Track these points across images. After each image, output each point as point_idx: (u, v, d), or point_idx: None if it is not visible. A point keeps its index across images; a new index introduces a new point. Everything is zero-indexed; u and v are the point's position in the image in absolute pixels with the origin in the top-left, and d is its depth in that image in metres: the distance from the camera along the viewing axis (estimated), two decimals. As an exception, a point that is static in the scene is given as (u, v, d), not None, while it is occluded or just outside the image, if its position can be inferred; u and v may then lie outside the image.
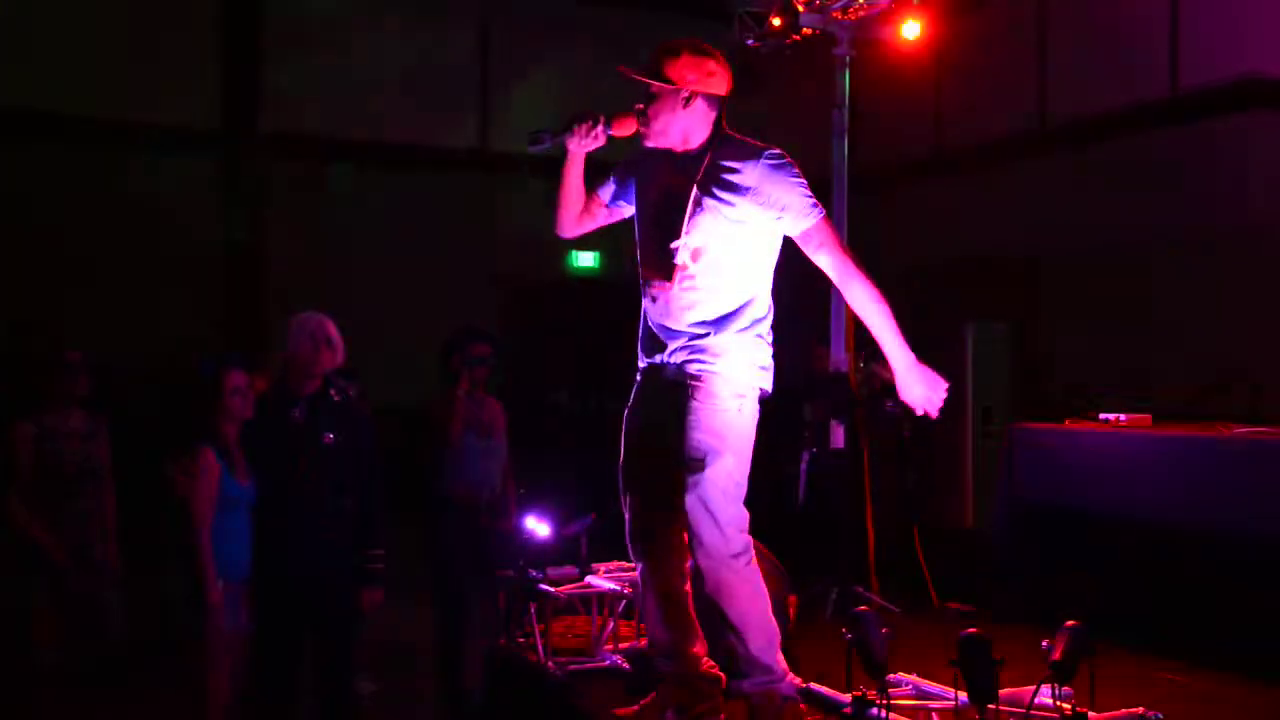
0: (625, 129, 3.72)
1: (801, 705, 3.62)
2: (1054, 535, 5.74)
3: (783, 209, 3.55)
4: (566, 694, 4.16)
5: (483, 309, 11.29)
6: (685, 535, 3.58)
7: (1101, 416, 5.83)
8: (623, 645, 4.51)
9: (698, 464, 3.50)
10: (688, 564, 3.68)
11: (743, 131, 3.74)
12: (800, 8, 6.55)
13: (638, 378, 3.79)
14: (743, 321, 3.59)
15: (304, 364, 4.40)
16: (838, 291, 3.80)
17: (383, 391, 7.35)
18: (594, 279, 13.48)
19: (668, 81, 3.65)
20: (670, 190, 3.68)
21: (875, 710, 3.37)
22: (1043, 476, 5.83)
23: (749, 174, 3.56)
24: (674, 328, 3.62)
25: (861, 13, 6.55)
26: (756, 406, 3.64)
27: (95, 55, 10.81)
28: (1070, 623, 3.32)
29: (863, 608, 3.60)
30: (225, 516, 4.22)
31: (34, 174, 10.50)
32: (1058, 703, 3.30)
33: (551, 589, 4.46)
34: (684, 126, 3.67)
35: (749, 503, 3.61)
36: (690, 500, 3.50)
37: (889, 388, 7.49)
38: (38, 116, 10.60)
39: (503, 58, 12.86)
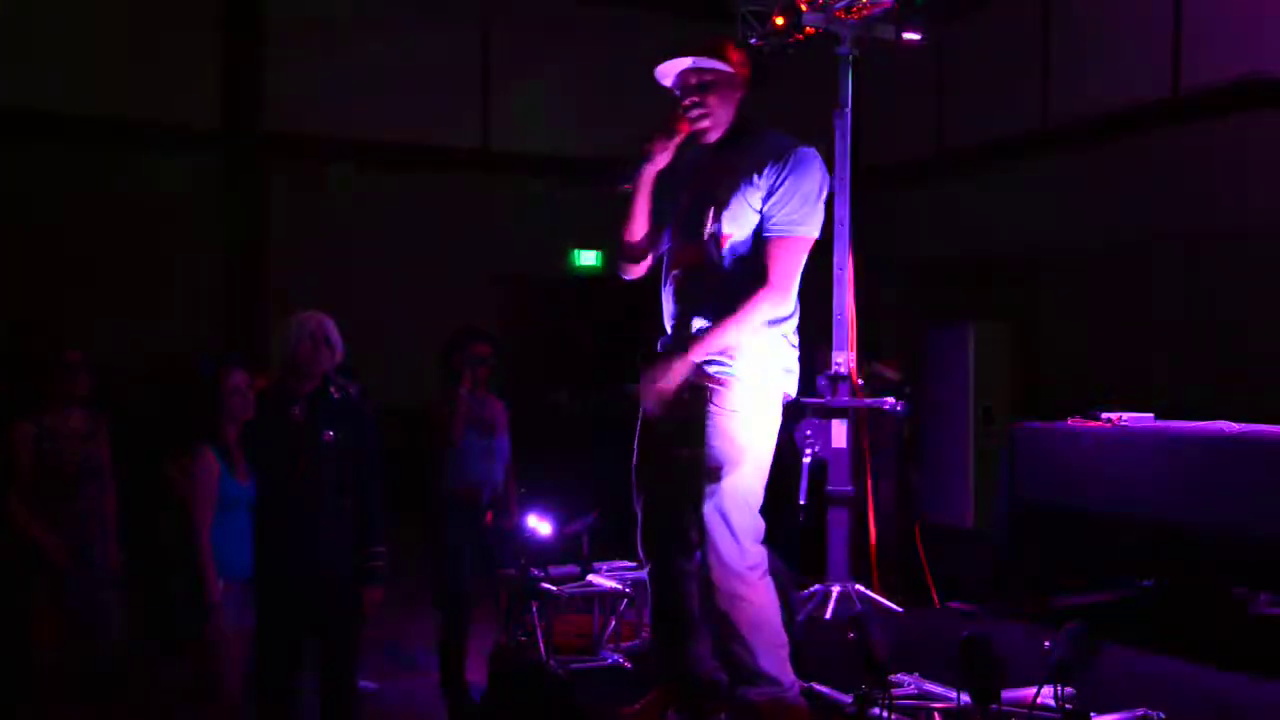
0: (683, 128, 3.64)
1: (806, 710, 3.59)
2: (1055, 534, 5.73)
3: (775, 202, 3.48)
4: (568, 693, 4.16)
5: (484, 308, 11.29)
6: (696, 537, 3.53)
7: (1103, 416, 5.82)
8: (624, 644, 4.51)
9: (715, 472, 3.44)
10: (695, 564, 3.63)
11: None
12: (803, 7, 6.55)
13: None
14: (765, 328, 3.53)
15: (303, 363, 4.39)
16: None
17: (384, 390, 7.35)
18: (596, 278, 13.48)
19: (730, 64, 3.60)
20: (703, 178, 3.63)
21: (877, 710, 3.37)
22: (1044, 476, 5.83)
23: (779, 165, 3.49)
24: (696, 325, 3.58)
25: (864, 12, 6.54)
26: (779, 412, 3.59)
27: (95, 54, 10.80)
28: (1072, 622, 3.32)
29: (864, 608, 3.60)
30: (225, 516, 4.21)
31: (34, 173, 10.50)
32: (1060, 703, 3.30)
33: (553, 588, 4.46)
34: (731, 113, 3.63)
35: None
36: (707, 509, 3.44)
37: (891, 387, 7.52)
38: (38, 116, 10.59)
39: (504, 57, 12.85)
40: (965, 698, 3.25)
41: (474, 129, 12.74)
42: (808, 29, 6.59)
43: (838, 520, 6.23)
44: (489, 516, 5.71)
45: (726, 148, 3.64)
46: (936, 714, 3.55)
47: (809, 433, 6.06)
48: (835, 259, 6.24)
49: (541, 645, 4.40)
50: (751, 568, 3.47)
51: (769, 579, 3.54)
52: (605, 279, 13.46)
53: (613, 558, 4.89)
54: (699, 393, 3.51)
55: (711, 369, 3.50)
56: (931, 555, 6.67)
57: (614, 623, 4.53)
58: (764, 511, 3.59)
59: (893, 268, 11.14)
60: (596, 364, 12.63)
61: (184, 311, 10.41)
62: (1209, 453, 5.16)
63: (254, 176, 11.43)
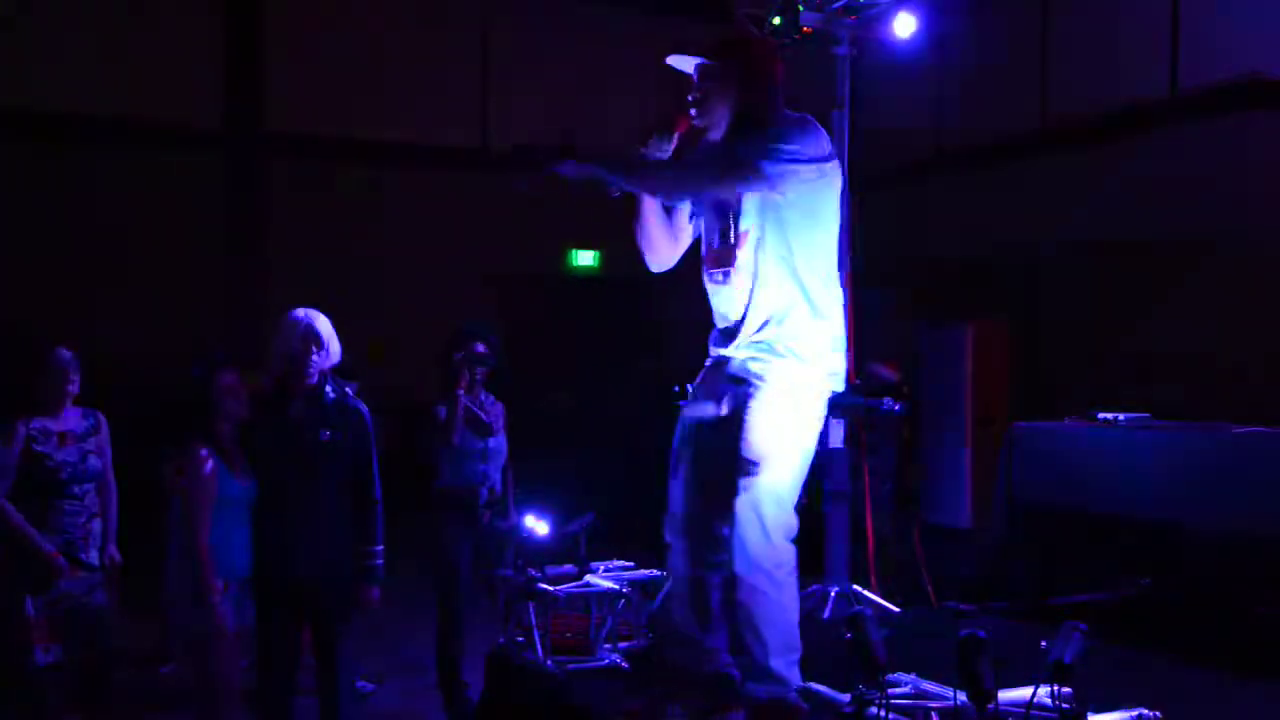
0: (681, 125, 3.64)
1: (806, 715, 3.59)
2: (1053, 534, 5.74)
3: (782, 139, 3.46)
4: (565, 693, 4.16)
5: (483, 307, 11.29)
6: (726, 530, 3.52)
7: (1100, 415, 5.83)
8: (621, 644, 4.51)
9: (753, 467, 3.44)
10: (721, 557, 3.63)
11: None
12: (801, 6, 6.54)
13: (705, 366, 3.77)
14: (802, 321, 3.54)
15: (298, 362, 4.39)
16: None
17: (383, 389, 7.33)
18: (594, 277, 13.48)
19: (725, 61, 3.60)
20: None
21: (874, 709, 3.37)
22: (1041, 476, 5.83)
23: (789, 124, 3.51)
24: (736, 321, 3.59)
25: (863, 12, 6.54)
26: (821, 408, 3.59)
27: (96, 54, 10.81)
28: (1070, 622, 3.32)
29: (862, 607, 3.60)
30: (223, 516, 4.21)
31: (33, 173, 10.50)
32: (1057, 703, 3.30)
33: (550, 588, 4.46)
34: (732, 107, 3.61)
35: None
36: (741, 503, 3.45)
37: (889, 387, 7.52)
38: (37, 115, 10.60)
39: (503, 57, 12.86)
40: (962, 697, 3.25)
41: (472, 128, 12.75)
42: (805, 29, 6.59)
43: (836, 520, 6.22)
44: (486, 516, 5.71)
45: (735, 142, 3.61)
46: (934, 714, 3.55)
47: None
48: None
49: (539, 645, 4.40)
50: (778, 565, 3.49)
51: (794, 579, 3.54)
52: (602, 279, 13.48)
53: (610, 558, 4.89)
54: (741, 386, 3.52)
55: (755, 365, 3.52)
56: (929, 555, 6.68)
57: (611, 622, 4.53)
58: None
59: (890, 267, 11.14)
60: (594, 364, 12.63)
61: (184, 310, 10.42)
62: (1206, 453, 5.17)
63: (254, 175, 11.44)
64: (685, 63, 3.65)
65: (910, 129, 11.88)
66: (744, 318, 3.58)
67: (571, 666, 4.32)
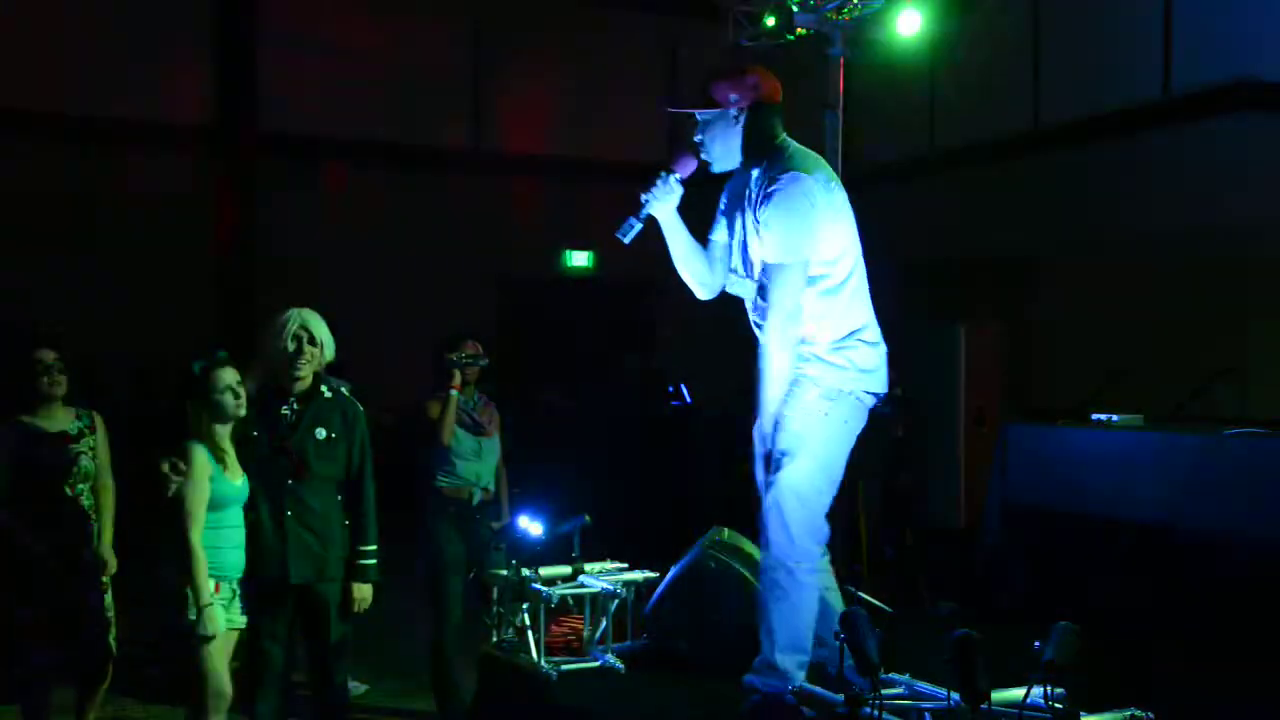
0: (688, 166, 3.79)
1: (801, 715, 3.60)
2: (1046, 534, 5.75)
3: (766, 235, 3.61)
4: (558, 693, 4.16)
5: (476, 307, 11.30)
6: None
7: (1093, 417, 5.84)
8: (615, 645, 4.50)
9: (777, 464, 3.58)
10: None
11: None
12: (794, 7, 6.55)
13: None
14: (829, 334, 3.66)
15: (290, 360, 4.39)
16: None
17: (377, 389, 7.32)
18: (588, 278, 13.48)
19: (715, 105, 3.74)
20: (740, 204, 3.78)
21: (868, 710, 3.37)
22: (1035, 476, 5.85)
23: (766, 199, 3.63)
24: (762, 347, 3.71)
25: (856, 12, 6.56)
26: (855, 412, 3.68)
27: (89, 54, 10.79)
28: (1062, 622, 3.32)
29: (855, 607, 3.60)
30: (218, 515, 4.20)
31: (26, 171, 10.49)
32: (1050, 702, 3.30)
33: (544, 588, 4.45)
34: (740, 145, 3.75)
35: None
36: (767, 498, 3.59)
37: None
38: (28, 115, 10.58)
39: (496, 57, 12.86)
40: (956, 697, 3.26)
41: (466, 129, 12.75)
42: (799, 29, 6.60)
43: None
44: (480, 517, 5.70)
45: (744, 176, 3.79)
46: (927, 714, 3.56)
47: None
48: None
49: (532, 646, 4.39)
50: (798, 562, 3.57)
51: (814, 580, 3.61)
52: (596, 279, 13.49)
53: (604, 558, 4.88)
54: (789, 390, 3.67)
55: (801, 366, 3.66)
56: (923, 555, 6.68)
57: (605, 623, 4.53)
58: (756, 511, 3.63)
59: (883, 267, 11.14)
60: (588, 364, 12.63)
61: (178, 309, 10.41)
62: (1199, 454, 5.18)
63: (247, 175, 11.42)
64: (676, 111, 3.88)
65: (905, 129, 11.89)
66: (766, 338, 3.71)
67: (565, 667, 4.32)
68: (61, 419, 4.89)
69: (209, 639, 4.14)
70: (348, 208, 11.93)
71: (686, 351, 12.41)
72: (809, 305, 3.64)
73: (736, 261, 3.85)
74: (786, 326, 3.60)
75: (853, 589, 6.14)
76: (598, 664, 4.38)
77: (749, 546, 4.44)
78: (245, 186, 11.27)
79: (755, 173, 3.72)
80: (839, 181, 3.80)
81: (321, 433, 4.41)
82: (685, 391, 11.73)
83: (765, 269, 3.62)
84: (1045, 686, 3.29)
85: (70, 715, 5.03)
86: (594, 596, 4.54)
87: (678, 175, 3.78)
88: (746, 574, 4.28)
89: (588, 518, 4.86)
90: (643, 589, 4.61)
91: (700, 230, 3.94)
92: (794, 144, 3.79)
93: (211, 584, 4.16)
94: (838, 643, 3.38)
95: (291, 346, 4.38)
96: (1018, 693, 3.33)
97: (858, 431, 3.73)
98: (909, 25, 6.67)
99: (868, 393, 3.71)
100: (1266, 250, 8.56)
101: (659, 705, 4.03)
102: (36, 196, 10.44)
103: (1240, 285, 8.67)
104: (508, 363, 11.03)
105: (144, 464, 4.45)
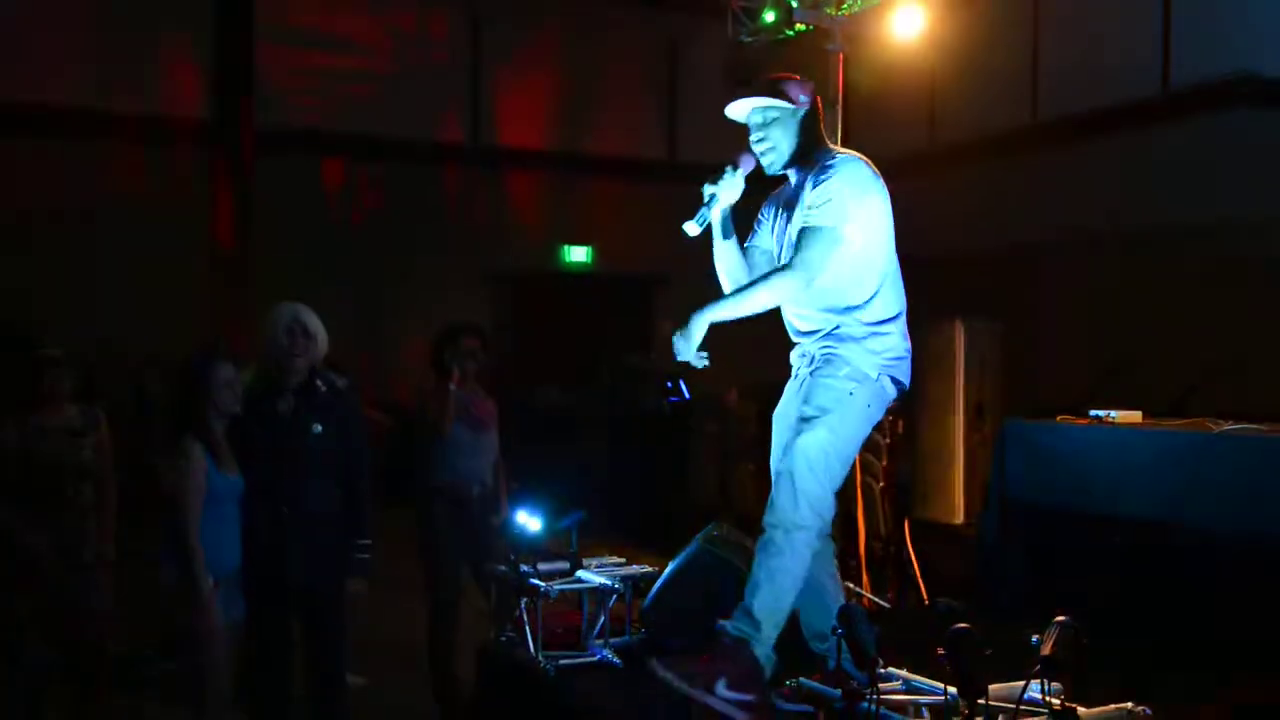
0: (749, 163, 3.86)
1: (761, 669, 3.61)
2: (1044, 530, 5.75)
3: (820, 196, 3.65)
4: (556, 688, 4.16)
5: (474, 302, 11.30)
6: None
7: (1092, 413, 5.84)
8: (613, 640, 4.51)
9: (796, 433, 3.66)
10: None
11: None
12: (793, 3, 6.55)
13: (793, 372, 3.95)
14: (863, 315, 3.72)
15: (284, 355, 4.39)
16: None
17: (374, 385, 7.34)
18: (586, 273, 13.48)
19: (789, 101, 3.80)
20: (789, 211, 3.84)
21: (865, 704, 3.37)
22: (1033, 472, 5.84)
23: (818, 175, 3.69)
24: (803, 326, 3.82)
25: (855, 8, 6.55)
26: (878, 398, 3.73)
27: (85, 49, 10.78)
28: (1060, 617, 3.33)
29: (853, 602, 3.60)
30: (213, 510, 4.20)
31: (21, 167, 10.47)
32: (1046, 697, 3.31)
33: (542, 583, 4.46)
34: (800, 145, 3.82)
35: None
36: (780, 465, 3.67)
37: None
38: (24, 110, 10.57)
39: (495, 52, 12.85)
40: (953, 692, 3.26)
41: (463, 125, 12.74)
42: (798, 25, 6.59)
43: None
44: (478, 511, 5.71)
45: (793, 183, 3.86)
46: (924, 708, 3.56)
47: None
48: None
49: (530, 641, 4.40)
50: (799, 526, 3.61)
51: (808, 551, 3.64)
52: (594, 275, 13.49)
53: (602, 553, 4.89)
54: (808, 374, 3.75)
55: (820, 351, 3.74)
56: (920, 551, 6.69)
57: (603, 618, 4.53)
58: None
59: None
60: (585, 359, 12.63)
61: (173, 305, 10.40)
62: (1198, 450, 5.18)
63: (244, 170, 11.41)
64: (743, 106, 3.84)
65: (904, 125, 11.89)
66: (813, 322, 3.79)
67: (563, 662, 4.33)
68: (65, 415, 4.90)
69: (207, 635, 4.14)
70: (345, 202, 11.92)
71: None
72: (852, 280, 3.70)
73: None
74: (801, 285, 3.65)
75: (850, 584, 6.16)
76: (595, 659, 4.39)
77: (747, 542, 4.45)
78: (242, 181, 11.26)
79: (807, 175, 3.77)
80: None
81: (317, 427, 4.42)
82: (683, 387, 11.74)
83: (803, 230, 3.65)
84: (1042, 682, 3.29)
85: (70, 711, 5.03)
86: (592, 591, 4.54)
87: (741, 170, 3.84)
88: (745, 569, 4.28)
89: (585, 513, 4.86)
90: (640, 584, 4.61)
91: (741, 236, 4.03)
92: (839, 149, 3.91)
93: (209, 580, 4.16)
94: (835, 637, 3.38)
95: (286, 341, 4.39)
96: (1015, 687, 3.34)
97: (875, 420, 3.78)
98: (908, 23, 6.66)
99: (893, 381, 3.76)
100: (1266, 246, 8.57)
101: (655, 700, 4.03)
102: (33, 191, 10.43)
103: (1239, 281, 8.67)
104: (505, 358, 11.05)
105: (141, 459, 4.46)
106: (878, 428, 4.77)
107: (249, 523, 4.33)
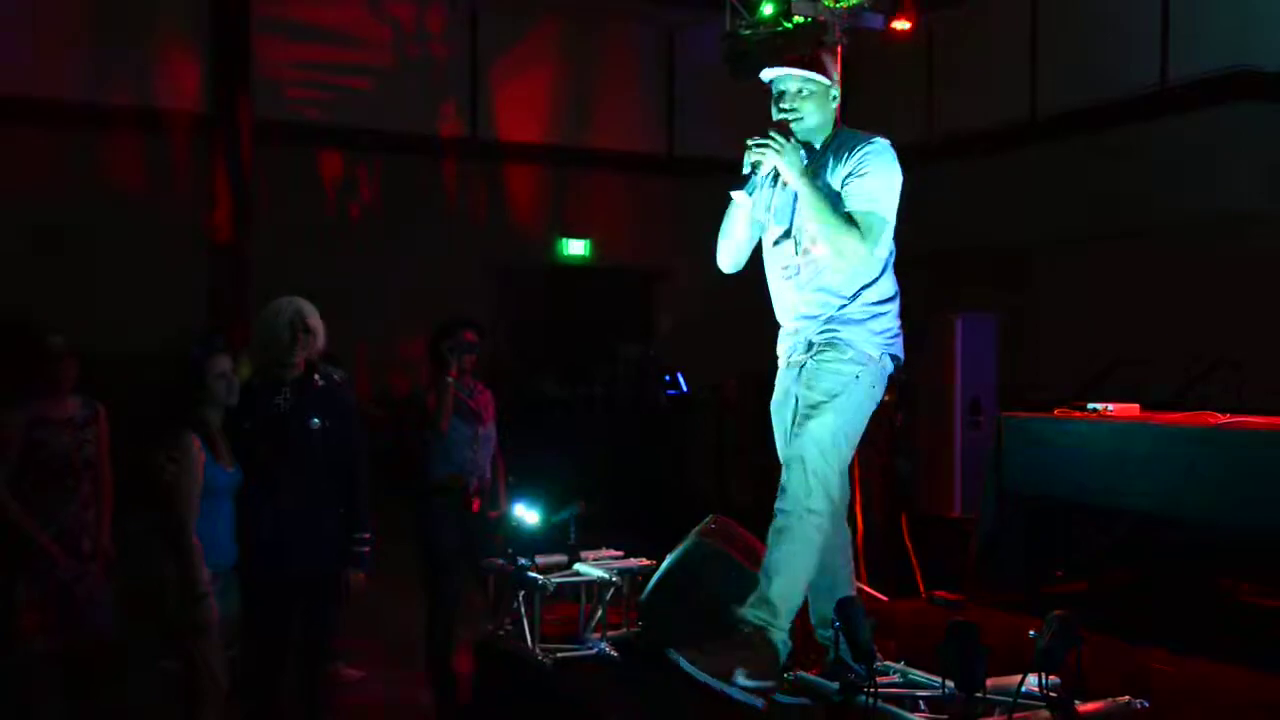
0: (785, 126, 3.82)
1: (778, 655, 3.61)
2: (1041, 524, 5.76)
3: (857, 175, 3.68)
4: (554, 681, 4.16)
5: (472, 295, 11.28)
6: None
7: (1090, 406, 5.84)
8: (611, 633, 4.51)
9: (804, 418, 3.68)
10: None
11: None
12: (791, -4, 6.54)
13: (779, 362, 3.95)
14: (870, 294, 3.74)
15: (284, 350, 4.38)
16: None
17: (372, 378, 7.34)
18: (584, 267, 13.46)
19: (826, 75, 3.83)
20: (777, 177, 3.84)
21: (863, 698, 3.38)
22: (1031, 466, 5.84)
23: (854, 156, 3.72)
24: (807, 310, 3.79)
25: (853, 1, 6.54)
26: (881, 379, 3.78)
27: (82, 40, 10.75)
28: (1057, 611, 3.33)
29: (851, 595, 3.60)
30: (210, 503, 4.20)
31: (18, 159, 10.45)
32: (1044, 691, 3.31)
33: (540, 576, 4.46)
34: (823, 120, 3.85)
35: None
36: (789, 451, 3.69)
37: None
38: (23, 102, 10.54)
39: (493, 45, 12.82)
40: (950, 685, 3.26)
41: (462, 118, 12.72)
42: (796, 17, 6.58)
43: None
44: (476, 505, 5.71)
45: (814, 157, 3.83)
46: (922, 702, 3.56)
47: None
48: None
49: (528, 634, 4.40)
50: (811, 511, 3.63)
51: (821, 535, 3.67)
52: (592, 267, 13.48)
53: (600, 546, 4.89)
54: (807, 361, 3.76)
55: (819, 337, 3.74)
56: (918, 544, 6.69)
57: (601, 611, 4.53)
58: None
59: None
60: (584, 352, 12.63)
61: (171, 298, 10.38)
62: (1195, 444, 5.18)
63: (242, 162, 11.38)
64: (780, 73, 3.85)
65: (902, 118, 11.87)
66: (810, 307, 3.79)
67: (561, 655, 4.33)
68: (68, 407, 4.90)
69: (204, 628, 4.14)
70: (343, 195, 11.90)
71: (683, 340, 12.42)
72: (860, 262, 3.71)
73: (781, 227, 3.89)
74: (858, 258, 3.67)
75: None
76: (593, 652, 4.39)
77: (744, 535, 4.45)
78: (239, 173, 11.23)
79: (828, 151, 3.80)
80: None
81: (315, 421, 4.41)
82: (681, 380, 11.74)
83: (868, 214, 3.67)
84: (1040, 675, 3.29)
85: (66, 705, 5.02)
86: (589, 584, 4.55)
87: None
88: (741, 562, 4.28)
89: (583, 506, 4.86)
90: (638, 577, 4.62)
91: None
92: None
93: (205, 573, 4.16)
94: (832, 630, 3.39)
95: (287, 335, 4.37)
96: (1013, 681, 3.34)
97: (879, 399, 3.82)
98: (907, 20, 6.66)
99: (893, 359, 3.80)
100: (1264, 240, 8.57)
101: (653, 693, 4.04)
102: (30, 183, 10.41)
103: (1237, 275, 8.67)
104: (504, 351, 11.05)
105: (139, 451, 4.45)
106: (875, 421, 4.77)
107: (246, 516, 4.32)
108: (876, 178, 3.71)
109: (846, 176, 3.71)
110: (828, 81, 3.83)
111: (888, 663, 3.82)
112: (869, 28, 6.75)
